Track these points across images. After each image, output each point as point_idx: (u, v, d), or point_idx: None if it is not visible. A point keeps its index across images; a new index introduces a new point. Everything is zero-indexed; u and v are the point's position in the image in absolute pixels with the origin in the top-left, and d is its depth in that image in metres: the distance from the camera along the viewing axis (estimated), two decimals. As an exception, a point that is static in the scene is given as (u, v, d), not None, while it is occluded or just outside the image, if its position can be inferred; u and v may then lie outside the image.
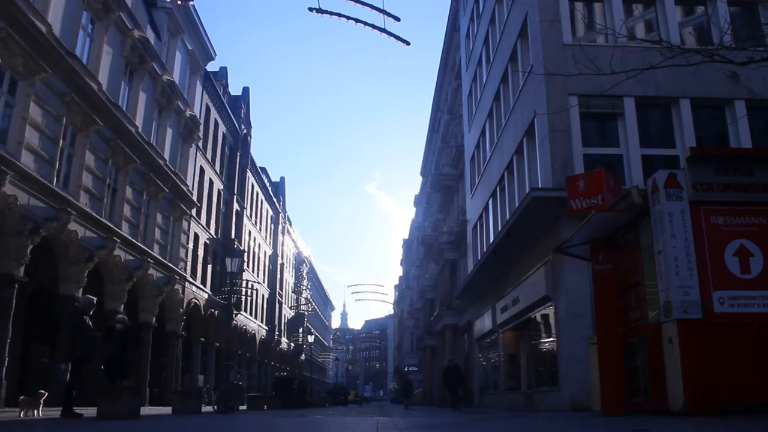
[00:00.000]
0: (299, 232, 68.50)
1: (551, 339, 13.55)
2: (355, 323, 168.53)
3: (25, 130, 13.56)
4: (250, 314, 37.33)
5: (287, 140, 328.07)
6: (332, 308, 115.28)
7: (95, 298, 10.47)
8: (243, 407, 19.50)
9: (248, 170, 37.19)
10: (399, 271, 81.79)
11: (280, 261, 49.83)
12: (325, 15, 12.69)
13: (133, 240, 19.27)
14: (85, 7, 16.58)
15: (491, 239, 17.63)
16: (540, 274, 13.63)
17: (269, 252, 46.13)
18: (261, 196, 42.89)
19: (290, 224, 59.25)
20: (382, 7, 12.72)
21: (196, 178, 26.70)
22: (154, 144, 21.34)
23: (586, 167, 12.12)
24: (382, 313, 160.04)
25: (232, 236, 32.56)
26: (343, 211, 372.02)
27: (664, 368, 6.90)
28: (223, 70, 34.97)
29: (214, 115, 30.31)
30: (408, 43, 13.67)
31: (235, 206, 33.68)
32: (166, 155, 22.56)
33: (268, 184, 46.09)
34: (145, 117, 20.71)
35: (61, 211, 14.78)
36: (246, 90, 38.66)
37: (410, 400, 31.21)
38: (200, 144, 27.06)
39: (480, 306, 21.56)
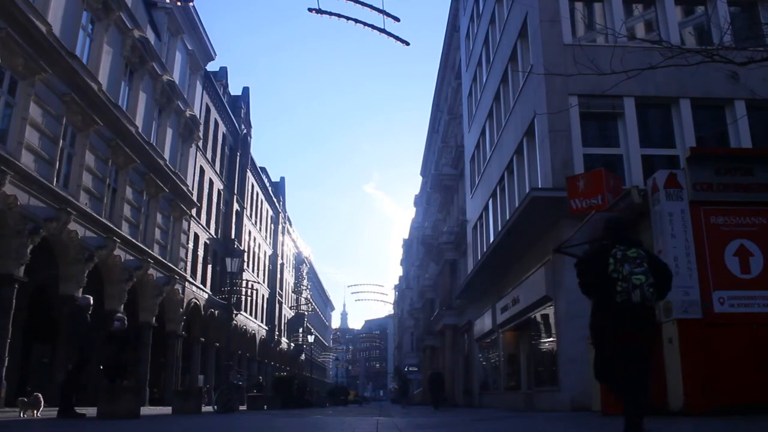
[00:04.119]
0: (299, 232, 68.56)
1: (551, 339, 13.55)
2: (355, 323, 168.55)
3: (25, 130, 13.56)
4: (250, 314, 37.32)
5: (287, 140, 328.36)
6: (332, 308, 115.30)
7: (91, 297, 10.46)
8: (243, 407, 19.49)
9: (248, 170, 37.18)
10: (399, 271, 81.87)
11: (280, 261, 49.81)
12: (324, 15, 12.71)
13: (133, 240, 19.26)
14: (85, 7, 16.57)
15: (491, 239, 17.63)
16: (540, 274, 13.63)
17: (269, 252, 46.12)
18: (261, 196, 42.88)
19: (290, 224, 59.23)
20: (381, 8, 12.73)
21: (196, 178, 26.69)
22: (154, 144, 21.33)
23: (586, 167, 12.12)
24: (382, 313, 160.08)
25: (232, 236, 32.55)
26: (343, 212, 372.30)
27: (664, 368, 6.90)
28: (223, 70, 34.95)
29: (214, 115, 30.30)
30: (408, 44, 13.69)
31: (235, 206, 33.68)
32: (166, 155, 22.56)
33: (268, 184, 46.06)
34: (145, 117, 20.70)
35: (61, 211, 14.77)
36: (246, 90, 38.66)
37: (408, 400, 31.78)
38: (200, 144, 27.04)
39: (480, 306, 21.56)
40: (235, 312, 28.07)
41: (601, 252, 4.45)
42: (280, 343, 48.44)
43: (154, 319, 21.21)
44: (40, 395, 10.35)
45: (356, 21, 12.96)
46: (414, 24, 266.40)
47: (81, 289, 15.77)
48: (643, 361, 4.27)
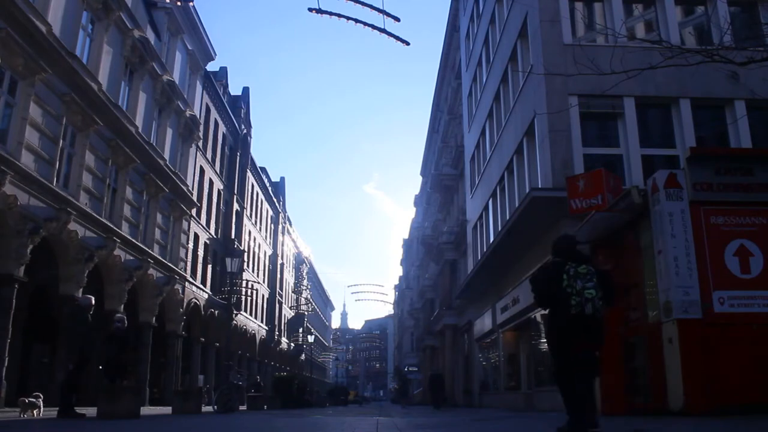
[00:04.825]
0: (299, 232, 68.53)
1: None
2: (355, 323, 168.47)
3: (25, 130, 13.55)
4: (250, 314, 37.32)
5: (287, 140, 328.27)
6: (332, 308, 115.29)
7: (93, 298, 10.46)
8: (243, 407, 19.49)
9: (248, 170, 37.17)
10: (399, 271, 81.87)
11: (280, 261, 49.80)
12: (324, 15, 12.71)
13: (133, 240, 19.26)
14: (85, 7, 16.57)
15: (491, 239, 17.63)
16: (540, 274, 13.60)
17: (269, 252, 46.11)
18: (261, 196, 42.87)
19: (290, 224, 59.22)
20: (381, 8, 12.74)
21: (196, 178, 26.69)
22: (154, 144, 21.33)
23: (586, 167, 12.11)
24: (382, 313, 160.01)
25: (232, 236, 32.54)
26: (343, 212, 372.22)
27: (664, 368, 6.90)
28: (223, 70, 34.94)
29: (214, 115, 30.29)
30: (408, 44, 13.70)
31: (235, 206, 33.67)
32: (166, 155, 22.56)
33: (268, 184, 46.05)
34: (145, 117, 20.70)
35: (61, 211, 14.77)
36: (246, 90, 38.65)
37: (407, 400, 32.08)
38: (200, 144, 27.04)
39: (480, 306, 21.55)
40: (235, 312, 28.09)
41: (555, 268, 4.94)
42: (280, 343, 48.43)
43: (154, 319, 21.21)
44: (40, 395, 10.36)
45: (356, 21, 12.97)
46: (414, 24, 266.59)
47: (81, 289, 15.77)
48: (594, 366, 4.86)
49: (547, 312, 5.14)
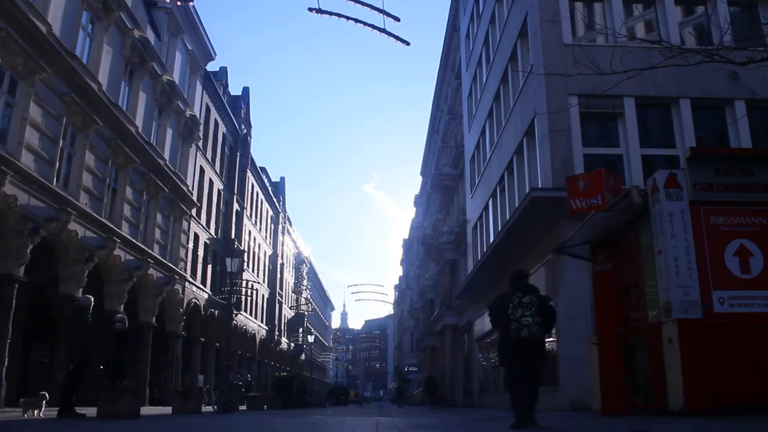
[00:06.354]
0: (299, 232, 68.52)
1: (551, 339, 13.54)
2: (355, 323, 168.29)
3: (25, 130, 13.56)
4: (250, 314, 37.32)
5: (287, 140, 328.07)
6: (332, 308, 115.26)
7: (93, 298, 10.46)
8: (243, 407, 19.48)
9: (248, 170, 37.17)
10: (399, 271, 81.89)
11: (280, 261, 49.80)
12: (324, 15, 12.73)
13: (133, 240, 19.26)
14: (85, 7, 16.58)
15: (491, 239, 17.63)
16: (540, 274, 13.63)
17: (269, 252, 46.11)
18: (261, 196, 42.87)
19: (290, 224, 59.22)
20: (382, 8, 12.75)
21: (196, 178, 26.69)
22: (154, 144, 21.33)
23: (586, 167, 12.12)
24: (382, 313, 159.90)
25: (232, 236, 32.54)
26: (343, 212, 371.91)
27: (664, 368, 6.89)
28: (223, 70, 34.94)
29: (214, 115, 30.29)
30: (408, 44, 13.72)
31: (235, 206, 33.67)
32: (166, 155, 22.56)
33: (268, 184, 46.05)
34: (145, 117, 20.70)
35: (61, 211, 14.77)
36: (246, 90, 38.65)
37: (405, 400, 33.06)
38: (200, 144, 27.04)
39: (480, 306, 21.55)
40: (235, 312, 28.08)
41: (504, 298, 6.04)
42: (280, 343, 48.43)
43: (154, 319, 21.21)
44: (44, 393, 10.37)
45: (356, 21, 12.99)
46: (414, 24, 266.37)
47: (81, 289, 15.77)
48: (535, 378, 6.02)
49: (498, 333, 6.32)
